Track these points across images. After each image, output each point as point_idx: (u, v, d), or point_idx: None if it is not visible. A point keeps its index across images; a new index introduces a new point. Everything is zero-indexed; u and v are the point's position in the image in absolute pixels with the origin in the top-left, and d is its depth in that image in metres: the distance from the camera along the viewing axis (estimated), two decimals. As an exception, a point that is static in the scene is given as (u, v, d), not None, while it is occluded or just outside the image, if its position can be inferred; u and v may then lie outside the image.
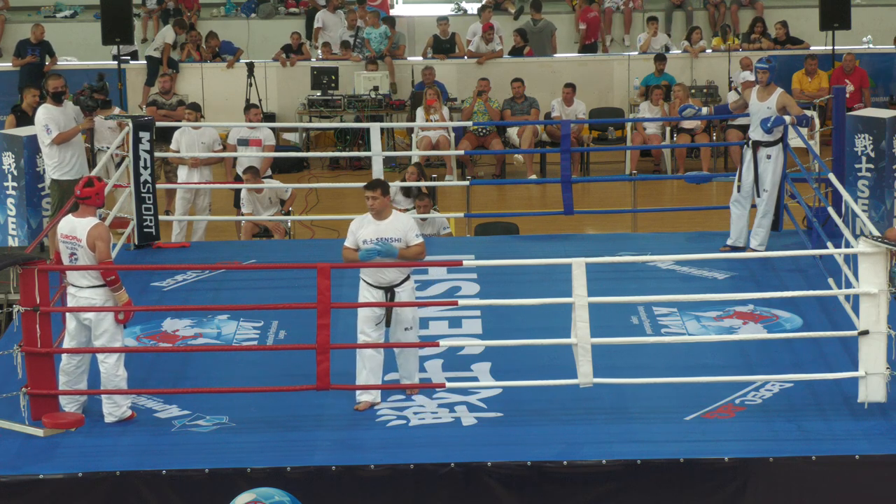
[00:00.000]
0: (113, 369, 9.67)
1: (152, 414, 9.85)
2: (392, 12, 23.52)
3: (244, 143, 16.13)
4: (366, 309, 9.94)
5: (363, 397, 9.93)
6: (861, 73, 20.70)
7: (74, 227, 9.73)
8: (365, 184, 10.09)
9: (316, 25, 22.32)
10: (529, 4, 22.38)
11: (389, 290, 9.94)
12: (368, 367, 9.94)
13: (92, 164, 13.94)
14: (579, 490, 9.07)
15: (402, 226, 9.99)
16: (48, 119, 13.51)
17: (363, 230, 9.99)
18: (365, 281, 9.99)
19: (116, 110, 15.68)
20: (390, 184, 14.64)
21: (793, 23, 22.01)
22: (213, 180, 15.86)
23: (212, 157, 15.70)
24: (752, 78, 17.06)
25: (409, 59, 21.91)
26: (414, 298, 10.13)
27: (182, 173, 15.63)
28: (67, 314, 9.79)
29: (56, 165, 13.80)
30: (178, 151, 15.49)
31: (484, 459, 9.07)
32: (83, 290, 9.65)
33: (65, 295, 9.92)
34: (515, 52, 21.75)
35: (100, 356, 9.71)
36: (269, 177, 16.23)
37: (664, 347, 10.46)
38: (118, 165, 13.95)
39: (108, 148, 14.29)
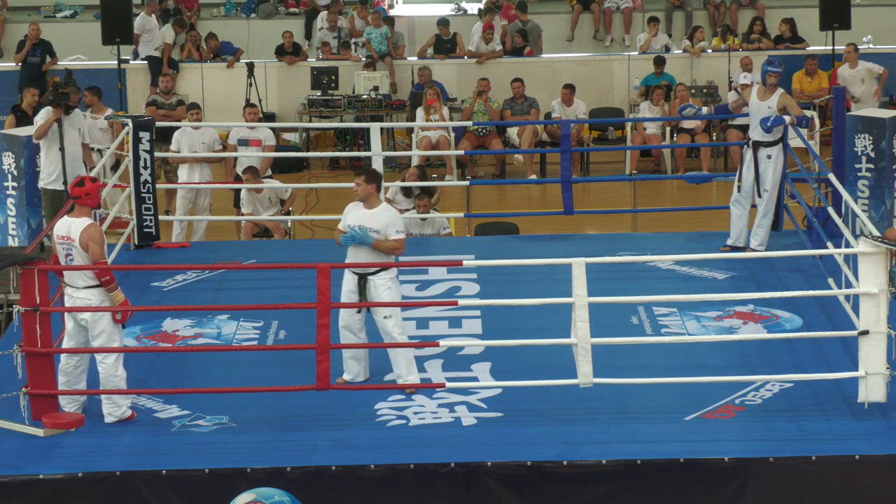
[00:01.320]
0: (111, 369, 9.67)
1: (152, 414, 9.85)
2: (392, 12, 23.51)
3: (244, 143, 16.13)
4: (344, 292, 10.19)
5: (344, 375, 10.26)
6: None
7: (69, 227, 9.72)
8: (355, 170, 10.24)
9: (319, 25, 22.31)
10: (516, 6, 22.40)
11: (363, 278, 10.09)
12: (350, 352, 10.21)
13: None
14: (579, 490, 9.07)
15: (384, 219, 10.12)
16: (41, 116, 13.63)
17: (350, 214, 10.23)
18: (349, 265, 10.22)
19: (109, 111, 15.72)
20: (390, 184, 14.80)
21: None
22: (213, 180, 15.86)
23: (211, 156, 15.69)
24: (749, 80, 17.09)
25: (409, 59, 21.91)
26: (391, 290, 10.17)
27: (182, 173, 15.62)
28: (66, 314, 9.79)
29: (45, 174, 13.84)
30: (178, 152, 15.48)
31: (484, 459, 9.07)
32: (80, 291, 9.65)
33: (63, 296, 9.93)
34: (515, 52, 21.75)
35: (98, 356, 9.71)
36: (269, 177, 16.22)
37: (664, 347, 10.46)
38: (114, 167, 13.97)
39: (98, 147, 14.29)
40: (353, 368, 10.28)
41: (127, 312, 9.78)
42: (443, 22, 21.91)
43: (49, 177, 13.78)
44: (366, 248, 10.04)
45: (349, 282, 10.20)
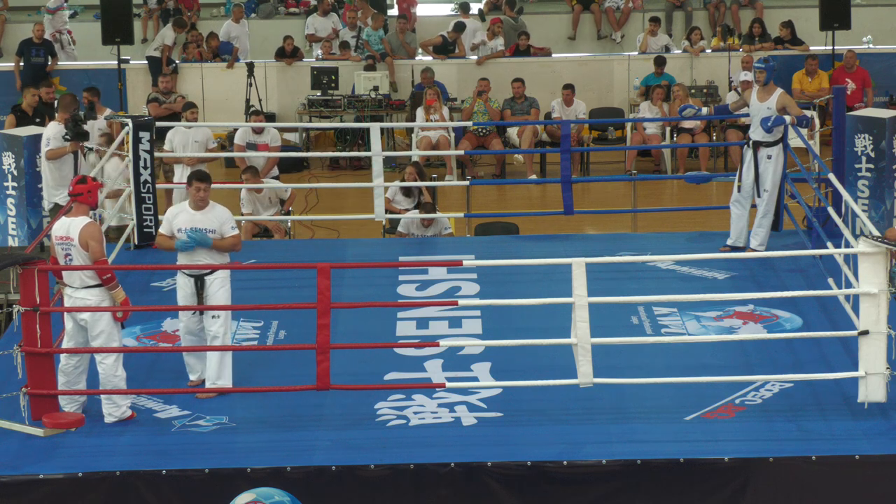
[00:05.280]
0: (111, 369, 9.67)
1: (152, 414, 9.86)
2: (391, 12, 23.50)
3: (252, 146, 16.06)
4: (182, 296, 10.23)
5: (191, 377, 10.33)
6: (863, 73, 20.72)
7: (68, 227, 9.72)
8: (196, 175, 10.36)
9: (307, 31, 22.32)
10: (504, 3, 22.40)
11: (200, 279, 10.18)
12: (191, 354, 10.33)
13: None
14: (579, 490, 9.07)
15: (217, 217, 10.26)
16: (52, 134, 13.54)
17: (178, 218, 10.26)
18: (182, 269, 10.25)
19: (108, 111, 15.69)
20: (389, 184, 14.80)
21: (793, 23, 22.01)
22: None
23: (213, 157, 15.65)
24: (749, 78, 17.09)
25: (410, 59, 21.86)
26: (225, 289, 10.27)
27: (178, 173, 15.57)
28: (65, 315, 9.78)
29: (54, 191, 13.75)
30: (171, 151, 15.45)
31: (484, 459, 9.07)
32: (78, 291, 9.64)
33: (63, 296, 9.92)
34: (521, 52, 21.68)
35: (98, 356, 9.71)
36: (276, 177, 16.16)
37: (664, 347, 10.46)
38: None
39: (98, 148, 14.25)
40: (197, 367, 10.33)
41: (127, 311, 9.79)
42: (458, 27, 21.83)
43: (59, 194, 13.74)
44: (203, 249, 10.15)
45: (185, 286, 10.21)
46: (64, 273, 9.71)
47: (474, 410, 9.82)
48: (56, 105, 14.23)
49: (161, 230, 10.39)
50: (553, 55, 21.98)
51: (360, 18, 21.96)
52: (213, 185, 15.15)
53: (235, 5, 22.38)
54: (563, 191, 14.20)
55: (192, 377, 10.33)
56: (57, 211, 13.63)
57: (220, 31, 21.95)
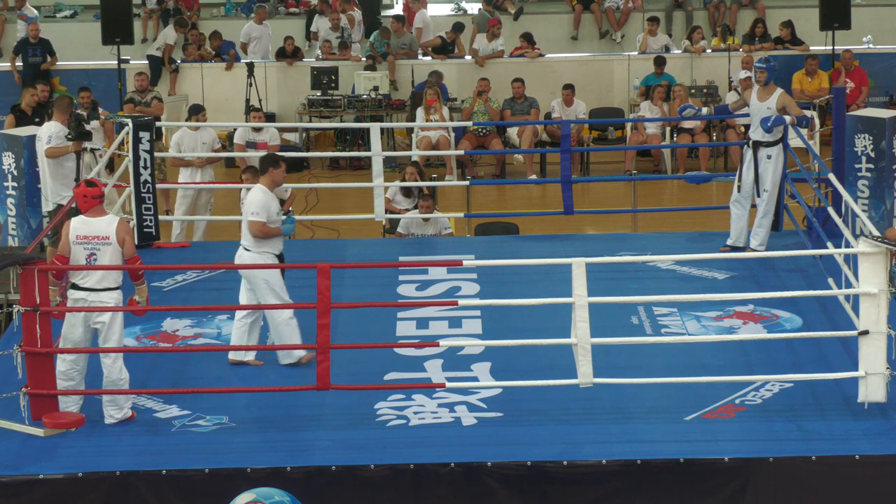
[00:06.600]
0: (118, 372, 9.66)
1: (152, 414, 9.86)
2: (391, 12, 23.49)
3: (252, 145, 16.06)
4: (279, 280, 10.63)
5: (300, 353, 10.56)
6: (860, 72, 20.73)
7: (95, 227, 9.64)
8: (279, 157, 10.87)
9: (312, 29, 22.31)
10: (484, 1, 22.41)
11: (281, 256, 10.77)
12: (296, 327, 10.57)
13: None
14: (579, 490, 9.07)
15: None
16: (54, 132, 13.45)
17: (273, 205, 10.68)
18: (274, 254, 10.71)
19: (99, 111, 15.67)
20: (389, 184, 14.81)
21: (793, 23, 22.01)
22: (214, 179, 15.83)
23: (220, 156, 15.64)
24: (750, 75, 17.08)
25: (415, 59, 21.84)
26: None
27: (185, 174, 15.58)
28: (73, 323, 9.70)
29: (53, 193, 13.67)
30: (179, 154, 15.45)
31: (484, 459, 9.08)
32: (99, 294, 9.57)
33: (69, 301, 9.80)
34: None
35: (106, 361, 9.67)
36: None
37: (664, 347, 10.46)
38: (108, 167, 13.93)
39: (92, 148, 14.24)
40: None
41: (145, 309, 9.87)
42: (457, 27, 21.83)
43: (64, 194, 13.71)
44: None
45: (276, 269, 10.58)
46: (77, 275, 9.64)
47: (474, 410, 9.82)
48: (52, 105, 14.19)
49: (259, 219, 10.57)
50: (553, 55, 21.96)
51: (341, 19, 21.93)
52: (212, 185, 15.47)
53: (259, 6, 22.34)
54: (563, 191, 14.20)
55: (247, 357, 10.61)
56: (58, 211, 13.64)
57: (241, 32, 21.92)
